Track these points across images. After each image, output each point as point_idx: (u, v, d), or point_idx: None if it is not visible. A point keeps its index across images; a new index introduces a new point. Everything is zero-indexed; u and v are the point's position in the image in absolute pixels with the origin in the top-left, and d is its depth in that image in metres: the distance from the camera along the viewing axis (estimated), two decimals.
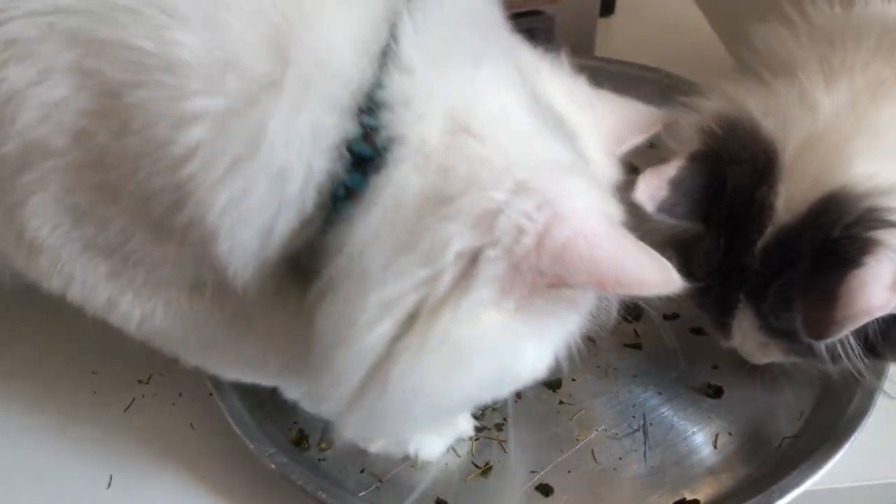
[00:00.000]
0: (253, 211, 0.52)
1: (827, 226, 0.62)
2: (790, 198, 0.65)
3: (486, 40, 0.57)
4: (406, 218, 0.52)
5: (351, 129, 0.52)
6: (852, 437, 0.74)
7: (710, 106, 0.72)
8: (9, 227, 0.58)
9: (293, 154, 0.51)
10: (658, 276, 0.51)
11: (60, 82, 0.52)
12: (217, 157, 0.50)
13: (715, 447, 0.80)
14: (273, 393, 0.77)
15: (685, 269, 0.52)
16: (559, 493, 0.77)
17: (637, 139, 0.66)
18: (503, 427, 0.82)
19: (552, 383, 0.85)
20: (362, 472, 0.78)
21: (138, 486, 0.78)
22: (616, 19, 1.35)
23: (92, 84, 0.52)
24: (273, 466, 0.73)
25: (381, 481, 0.78)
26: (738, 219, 0.67)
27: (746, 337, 0.72)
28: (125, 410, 0.83)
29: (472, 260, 0.52)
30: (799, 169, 0.65)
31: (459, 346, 0.53)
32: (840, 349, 0.65)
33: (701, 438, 0.81)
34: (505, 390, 0.62)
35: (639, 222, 0.60)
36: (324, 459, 0.79)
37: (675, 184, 0.67)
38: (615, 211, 0.55)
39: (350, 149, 0.52)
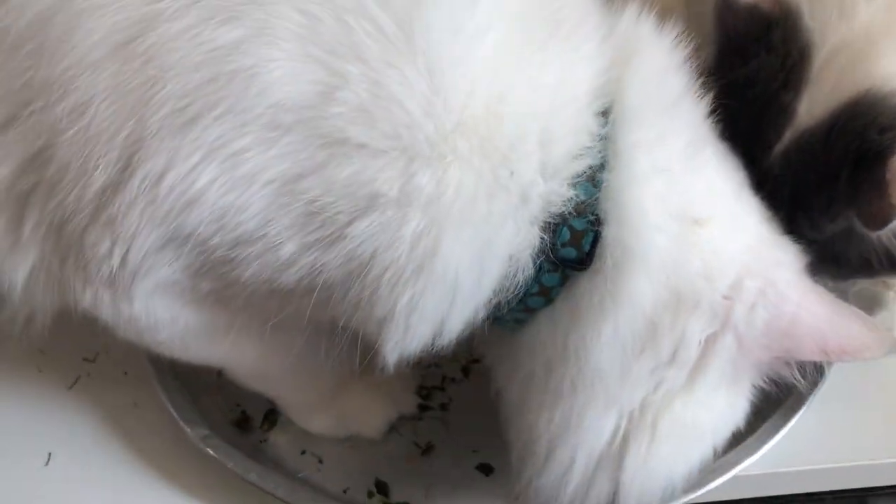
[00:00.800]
0: (427, 309, 0.54)
1: (861, 130, 0.62)
2: (812, 102, 0.65)
3: (689, 120, 0.59)
4: (639, 322, 0.56)
5: (551, 238, 0.55)
6: (796, 417, 0.72)
7: None
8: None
9: (465, 266, 0.53)
10: (875, 338, 0.57)
11: (256, 195, 0.51)
12: (404, 268, 0.52)
13: None
14: (219, 375, 0.76)
15: None
16: (500, 472, 0.76)
17: None
18: (448, 406, 0.81)
19: None
20: (303, 453, 0.78)
21: (76, 465, 0.77)
22: None
23: (295, 202, 0.51)
24: (207, 449, 0.72)
25: (321, 462, 0.77)
26: (757, 117, 0.66)
27: None
28: (70, 388, 0.83)
29: (707, 349, 0.57)
30: (825, 75, 0.65)
31: (691, 431, 0.60)
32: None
33: None
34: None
35: None
36: (265, 440, 0.79)
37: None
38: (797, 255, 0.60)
39: (554, 252, 0.55)
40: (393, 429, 0.79)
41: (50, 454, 0.78)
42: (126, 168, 0.51)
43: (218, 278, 0.57)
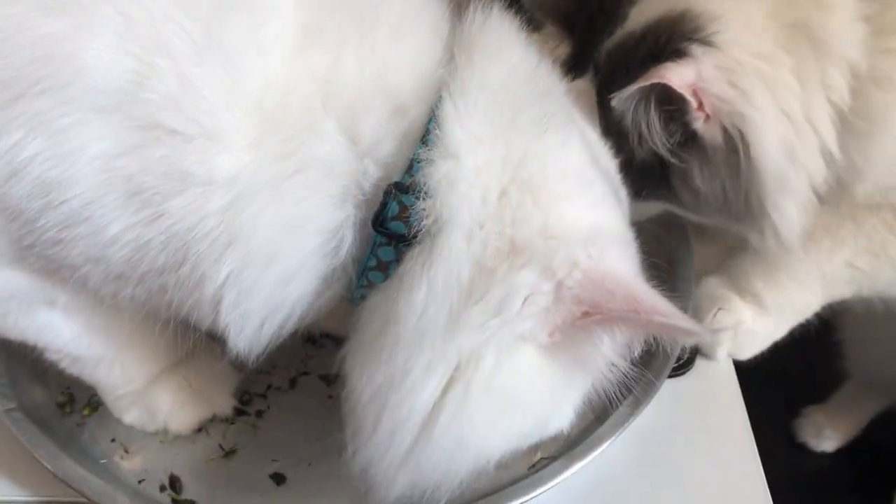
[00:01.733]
0: (253, 284, 0.58)
1: (656, 36, 0.72)
2: (640, 10, 0.75)
3: (541, 104, 0.62)
4: (463, 276, 0.57)
5: (363, 212, 0.59)
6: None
7: None
8: None
9: (277, 239, 0.57)
10: (687, 318, 0.57)
11: (80, 172, 0.55)
12: (216, 241, 0.57)
13: None
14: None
15: None
16: (292, 484, 0.77)
17: None
18: (263, 414, 0.82)
19: (328, 377, 0.84)
20: (113, 440, 0.80)
21: None
22: None
23: (115, 180, 0.55)
24: (6, 421, 0.75)
25: (126, 451, 0.79)
26: (595, 20, 0.78)
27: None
28: None
29: (528, 300, 0.57)
30: None
31: (501, 390, 0.58)
32: (644, 125, 0.73)
33: None
34: (539, 437, 0.66)
35: None
36: (82, 424, 0.81)
37: None
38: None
39: (383, 226, 0.58)
40: (203, 429, 0.81)
41: None
42: None
43: (48, 258, 0.60)
